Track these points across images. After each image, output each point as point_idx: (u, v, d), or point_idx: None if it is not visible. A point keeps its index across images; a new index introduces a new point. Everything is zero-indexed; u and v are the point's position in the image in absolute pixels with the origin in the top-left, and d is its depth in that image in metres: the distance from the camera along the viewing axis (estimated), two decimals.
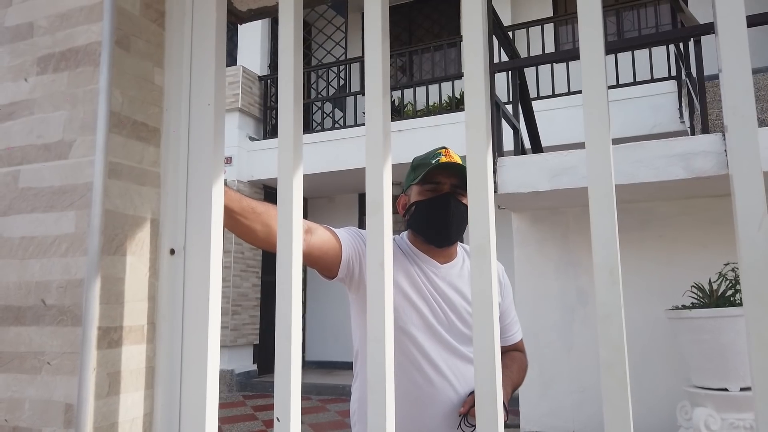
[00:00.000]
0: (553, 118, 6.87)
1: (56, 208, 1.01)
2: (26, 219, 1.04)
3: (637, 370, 4.26)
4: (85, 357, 0.92)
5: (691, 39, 5.18)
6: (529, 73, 7.49)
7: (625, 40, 7.61)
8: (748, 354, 0.73)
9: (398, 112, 9.10)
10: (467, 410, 1.52)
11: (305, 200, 10.30)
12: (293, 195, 0.99)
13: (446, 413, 1.57)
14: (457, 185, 1.62)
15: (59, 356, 0.97)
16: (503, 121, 4.43)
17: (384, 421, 0.88)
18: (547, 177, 3.90)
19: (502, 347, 1.78)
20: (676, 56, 6.63)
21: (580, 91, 0.90)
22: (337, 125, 9.47)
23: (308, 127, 9.57)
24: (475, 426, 1.47)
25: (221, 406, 7.38)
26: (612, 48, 6.12)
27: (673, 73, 6.95)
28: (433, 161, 1.64)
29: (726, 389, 3.39)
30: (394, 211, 1.84)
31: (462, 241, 1.76)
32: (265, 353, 9.11)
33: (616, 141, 4.31)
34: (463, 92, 0.93)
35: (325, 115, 9.59)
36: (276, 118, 7.91)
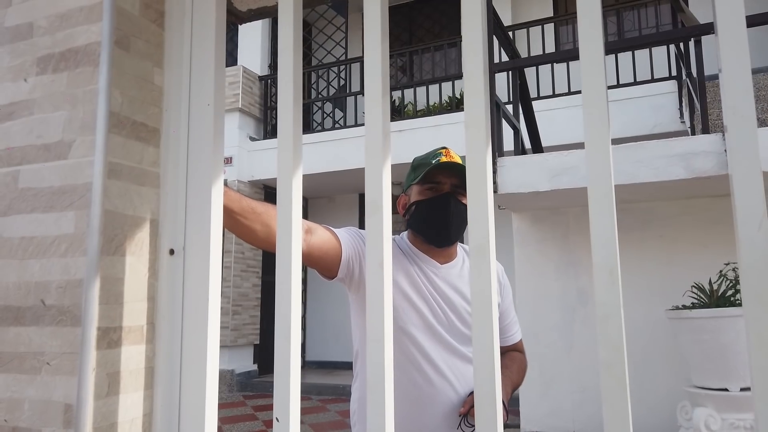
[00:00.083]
0: (553, 118, 6.87)
1: (56, 209, 1.01)
2: (26, 219, 1.04)
3: (637, 370, 4.26)
4: (84, 357, 0.92)
5: (692, 39, 5.18)
6: (530, 73, 7.49)
7: (626, 40, 7.61)
8: (747, 354, 0.73)
9: (398, 112, 9.10)
10: (467, 410, 1.52)
11: (305, 200, 10.31)
12: (293, 195, 0.99)
13: (446, 413, 1.57)
14: (457, 185, 1.62)
15: (59, 356, 0.96)
16: (503, 121, 4.43)
17: (383, 421, 0.88)
18: (548, 177, 3.90)
19: (501, 347, 1.78)
20: (677, 56, 6.63)
21: (580, 91, 0.90)
22: (337, 125, 9.47)
23: (308, 127, 9.57)
24: (474, 426, 1.47)
25: (222, 406, 7.39)
26: (612, 48, 6.12)
27: (674, 73, 6.95)
28: (434, 161, 1.64)
29: (726, 389, 3.39)
30: (394, 211, 1.84)
31: (462, 241, 1.76)
32: (265, 353, 9.11)
33: (617, 141, 4.31)
34: (463, 92, 0.92)
35: (325, 115, 9.59)
36: (276, 118, 7.96)
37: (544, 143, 5.14)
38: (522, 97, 4.79)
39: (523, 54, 7.90)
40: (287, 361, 0.95)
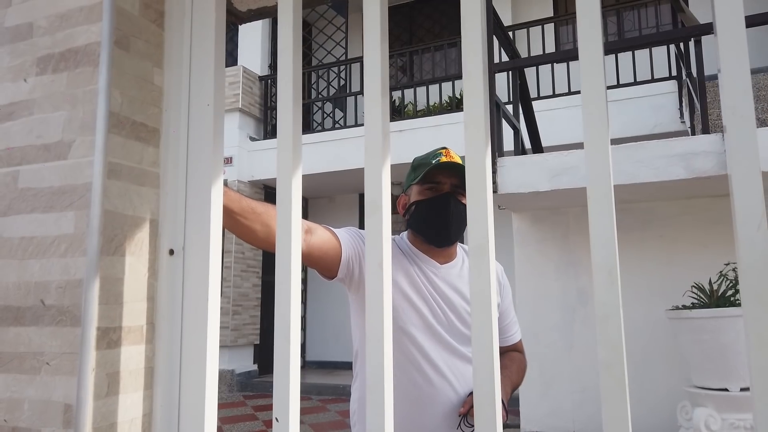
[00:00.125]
0: (553, 118, 6.87)
1: (56, 209, 1.01)
2: (26, 219, 1.04)
3: (637, 370, 4.26)
4: (84, 357, 0.92)
5: (692, 39, 5.18)
6: (530, 73, 7.49)
7: (626, 40, 7.61)
8: (746, 354, 0.73)
9: (399, 112, 9.10)
10: (467, 410, 1.52)
11: (306, 200, 10.31)
12: (292, 195, 0.99)
13: (446, 413, 1.57)
14: (457, 185, 1.62)
15: (58, 356, 0.97)
16: (503, 121, 4.43)
17: (382, 421, 0.88)
18: (548, 177, 3.90)
19: (501, 348, 1.79)
20: (677, 56, 6.63)
21: (580, 91, 0.90)
22: (337, 125, 9.48)
23: (309, 127, 9.57)
24: (474, 426, 1.47)
25: (222, 406, 7.39)
26: (612, 48, 6.12)
27: (674, 73, 6.95)
28: (434, 161, 1.64)
29: (726, 389, 3.39)
30: (394, 211, 1.84)
31: (462, 242, 1.76)
32: (265, 353, 9.11)
33: (617, 141, 4.31)
34: (463, 92, 0.92)
35: (325, 115, 9.59)
36: (276, 118, 7.96)
37: (545, 143, 5.15)
38: (522, 97, 4.79)
39: (523, 54, 7.91)
40: (287, 361, 0.95)
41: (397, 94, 9.41)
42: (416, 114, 8.65)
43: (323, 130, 9.02)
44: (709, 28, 4.07)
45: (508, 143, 4.74)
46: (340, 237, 1.55)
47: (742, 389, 3.36)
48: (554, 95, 7.40)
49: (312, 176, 8.55)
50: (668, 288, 4.14)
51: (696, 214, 4.33)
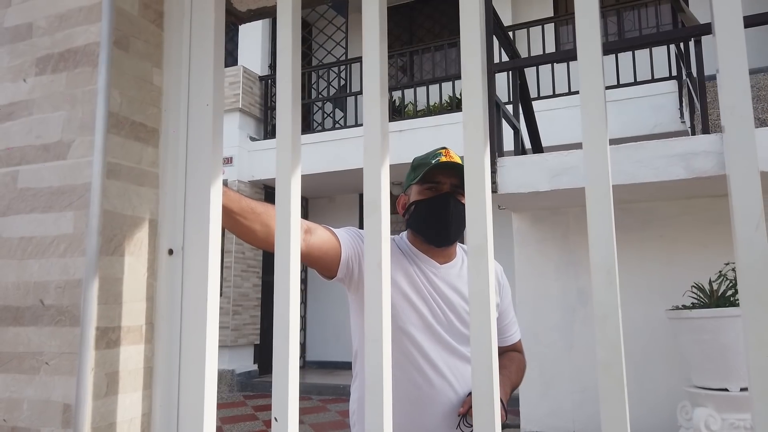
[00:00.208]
0: (553, 118, 6.87)
1: (55, 209, 1.02)
2: (25, 219, 1.04)
3: (637, 370, 4.25)
4: (83, 357, 0.93)
5: (692, 39, 5.18)
6: (530, 73, 7.49)
7: (626, 40, 7.61)
8: (744, 354, 0.73)
9: (399, 112, 9.10)
10: (466, 410, 1.52)
11: (306, 200, 10.31)
12: (291, 195, 1.00)
13: (445, 413, 1.57)
14: (456, 185, 1.62)
15: (57, 356, 0.97)
16: (503, 121, 4.43)
17: (381, 421, 0.88)
18: (547, 177, 3.90)
19: (500, 347, 1.79)
20: (677, 56, 6.63)
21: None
22: (337, 125, 9.48)
23: (309, 127, 9.57)
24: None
25: (222, 406, 7.39)
26: (613, 48, 6.11)
27: (674, 73, 6.95)
28: (433, 161, 1.64)
29: (726, 389, 3.39)
30: (394, 211, 1.85)
31: (462, 242, 1.76)
32: (265, 353, 9.11)
33: (618, 141, 4.31)
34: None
35: (325, 115, 9.59)
36: (276, 118, 7.96)
37: (545, 143, 5.15)
38: (522, 97, 4.79)
39: (524, 54, 7.91)
40: (286, 361, 0.95)
41: (397, 94, 9.41)
42: (416, 114, 8.65)
43: (323, 130, 9.02)
44: (709, 28, 4.07)
45: (508, 143, 4.74)
46: (339, 237, 1.56)
47: (742, 389, 3.36)
48: (554, 95, 7.41)
49: (312, 176, 8.54)
50: (668, 288, 4.14)
51: (696, 214, 4.33)
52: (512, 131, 4.69)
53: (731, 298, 3.52)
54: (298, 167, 1.02)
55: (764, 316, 0.71)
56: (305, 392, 7.99)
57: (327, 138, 8.58)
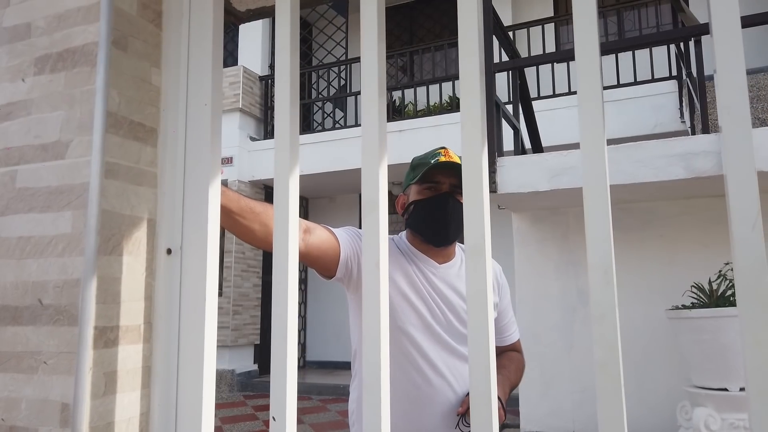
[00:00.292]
0: (553, 118, 6.88)
1: (53, 208, 1.02)
2: (23, 219, 1.04)
3: (637, 370, 4.25)
4: (81, 357, 0.93)
5: (692, 39, 5.18)
6: (530, 73, 7.50)
7: (626, 40, 7.61)
8: (742, 353, 0.73)
9: (399, 112, 9.11)
10: (465, 410, 1.52)
11: (306, 200, 10.31)
12: (290, 195, 1.00)
13: (444, 413, 1.57)
14: (456, 185, 1.62)
15: (56, 356, 0.97)
16: (503, 120, 4.43)
17: (379, 421, 0.88)
18: (547, 177, 3.90)
19: (499, 347, 1.79)
20: (677, 56, 6.63)
21: None
22: (337, 125, 9.48)
23: (309, 127, 9.57)
24: None
25: (222, 406, 7.39)
26: (613, 48, 6.11)
27: (674, 72, 6.95)
28: (432, 161, 1.64)
29: (726, 389, 3.39)
30: (393, 211, 1.85)
31: (461, 241, 1.76)
32: (265, 353, 9.10)
33: (618, 141, 4.31)
34: None
35: (325, 115, 9.59)
36: None
37: (545, 143, 5.15)
38: (522, 97, 4.79)
39: (524, 54, 7.91)
40: (284, 361, 0.95)
41: (397, 94, 9.41)
42: (416, 114, 8.65)
43: (323, 130, 9.02)
44: (708, 28, 4.07)
45: (508, 143, 4.74)
46: (338, 237, 1.56)
47: (741, 389, 3.36)
48: (554, 95, 7.41)
49: (312, 176, 8.55)
50: (668, 288, 4.14)
51: (696, 214, 4.33)
52: (512, 131, 4.69)
53: (731, 298, 3.52)
54: (297, 167, 1.02)
55: (761, 316, 0.71)
56: (305, 392, 7.99)
57: (327, 138, 8.59)
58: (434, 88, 8.80)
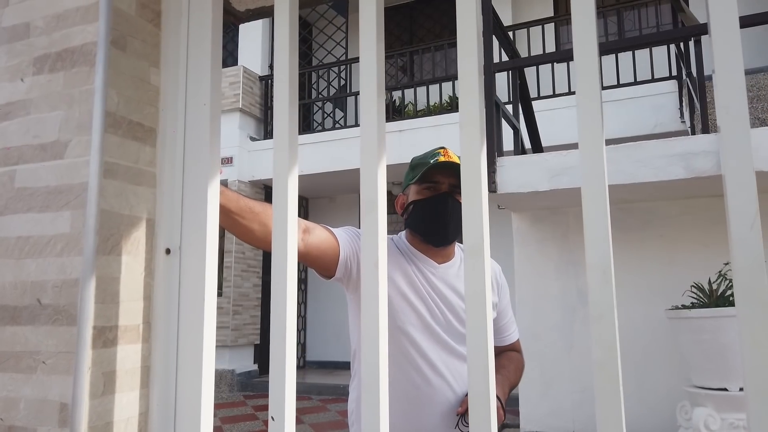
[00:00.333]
0: (553, 118, 6.88)
1: (52, 208, 1.02)
2: (22, 219, 1.04)
3: (637, 369, 4.25)
4: (80, 356, 0.93)
5: (692, 39, 5.18)
6: (530, 73, 7.50)
7: (626, 40, 7.60)
8: (740, 353, 0.73)
9: (399, 112, 9.11)
10: (465, 410, 1.52)
11: (306, 200, 10.31)
12: (288, 194, 1.00)
13: (444, 413, 1.57)
14: (455, 185, 1.63)
15: (54, 356, 0.97)
16: (503, 121, 4.43)
17: (378, 420, 0.88)
18: (547, 177, 3.90)
19: (499, 347, 1.79)
20: (677, 56, 6.63)
21: None
22: (337, 125, 9.48)
23: (309, 127, 9.58)
24: None
25: (222, 406, 7.39)
26: (613, 48, 6.11)
27: (674, 72, 6.95)
28: (432, 161, 1.64)
29: (726, 389, 3.39)
30: (393, 211, 1.84)
31: (460, 241, 1.76)
32: (265, 353, 9.10)
33: (618, 141, 4.31)
34: None
35: (325, 115, 9.59)
36: None
37: (545, 143, 5.14)
38: (522, 96, 4.79)
39: (524, 54, 7.91)
40: (282, 361, 0.95)
41: (397, 94, 9.41)
42: (416, 114, 8.65)
43: (323, 130, 9.02)
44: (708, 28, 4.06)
45: (508, 143, 4.74)
46: (338, 236, 1.56)
47: (741, 389, 3.35)
48: (554, 95, 7.41)
49: (312, 176, 8.55)
50: (668, 288, 4.14)
51: (696, 214, 4.33)
52: (512, 131, 4.69)
53: (731, 298, 3.52)
54: (296, 167, 1.02)
55: (759, 315, 0.71)
56: (305, 392, 7.99)
57: (327, 138, 8.59)
58: (434, 88, 8.80)
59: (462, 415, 1.53)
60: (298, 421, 6.40)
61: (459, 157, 1.61)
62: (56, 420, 0.94)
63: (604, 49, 6.30)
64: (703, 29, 4.28)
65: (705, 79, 4.66)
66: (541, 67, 7.48)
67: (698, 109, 5.10)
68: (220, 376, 8.41)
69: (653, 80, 7.04)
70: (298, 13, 1.07)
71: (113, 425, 0.97)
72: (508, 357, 1.79)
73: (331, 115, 9.69)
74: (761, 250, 0.72)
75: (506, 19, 8.97)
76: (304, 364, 9.94)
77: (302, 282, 10.10)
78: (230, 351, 8.64)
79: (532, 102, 5.15)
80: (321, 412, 6.96)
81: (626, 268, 4.29)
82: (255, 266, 9.27)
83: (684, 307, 3.68)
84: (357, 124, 8.98)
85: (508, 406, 1.60)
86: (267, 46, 9.94)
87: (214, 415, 6.85)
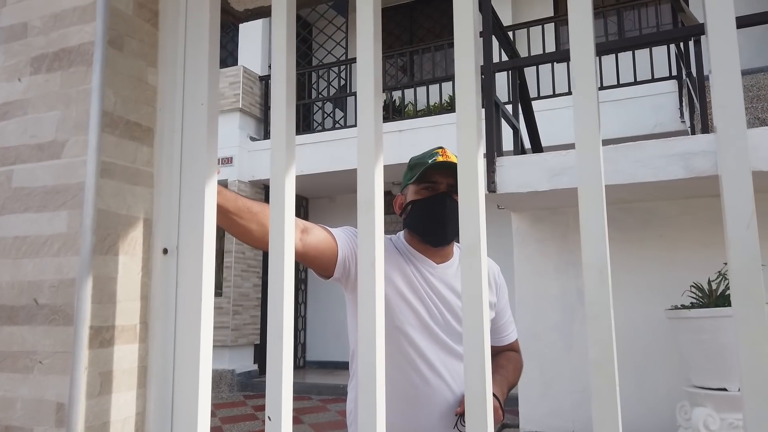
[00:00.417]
0: (553, 118, 6.88)
1: (49, 208, 1.02)
2: (19, 219, 1.04)
3: (637, 369, 4.25)
4: (76, 356, 0.93)
5: (692, 39, 5.18)
6: (530, 72, 7.49)
7: (626, 40, 7.60)
8: (737, 353, 0.73)
9: (399, 112, 9.11)
10: (464, 410, 1.51)
11: (306, 200, 10.31)
12: (285, 194, 1.00)
13: (443, 413, 1.57)
14: (453, 185, 1.62)
15: (51, 355, 0.97)
16: (503, 120, 4.43)
17: (374, 420, 0.88)
18: (547, 177, 3.90)
19: (498, 347, 1.79)
20: (677, 56, 6.63)
21: None
22: (337, 125, 9.48)
23: (309, 127, 9.58)
24: None
25: (222, 405, 7.39)
26: (613, 47, 6.11)
27: (674, 72, 6.95)
28: (430, 161, 1.64)
29: (725, 389, 3.38)
30: (391, 212, 1.84)
31: (458, 241, 1.75)
32: (265, 353, 9.09)
33: (618, 141, 4.30)
34: None
35: (325, 115, 9.59)
36: None
37: (545, 143, 5.14)
38: (522, 96, 4.79)
39: (524, 54, 7.91)
40: (279, 361, 0.95)
41: (397, 94, 9.41)
42: (416, 114, 8.65)
43: (323, 130, 9.02)
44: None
45: (508, 143, 4.74)
46: (336, 236, 1.55)
47: (740, 389, 3.35)
48: (554, 95, 7.41)
49: (312, 176, 8.55)
50: (668, 288, 4.14)
51: (696, 214, 4.33)
52: (512, 131, 4.69)
53: (730, 298, 3.51)
54: (293, 167, 1.02)
55: (755, 315, 0.71)
56: (305, 392, 7.99)
57: (327, 138, 8.59)
58: (434, 88, 8.80)
59: (461, 415, 1.53)
60: (298, 421, 6.40)
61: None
62: (53, 420, 0.94)
63: (605, 49, 6.30)
64: (703, 29, 4.26)
65: (705, 79, 4.66)
66: (541, 67, 7.48)
67: (698, 109, 5.10)
68: (220, 376, 8.42)
69: (653, 80, 7.04)
70: (295, 13, 1.07)
71: (110, 425, 0.97)
72: (507, 357, 1.78)
73: (331, 115, 9.69)
74: (758, 250, 0.72)
75: (506, 19, 8.97)
76: (304, 364, 9.93)
77: (302, 282, 10.10)
78: (230, 351, 8.64)
79: (532, 102, 5.15)
80: (321, 412, 6.96)
81: (626, 268, 4.29)
82: (255, 266, 9.27)
83: (683, 307, 3.68)
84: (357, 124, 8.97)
85: (508, 406, 1.60)
86: (267, 46, 9.94)
87: (214, 415, 6.85)
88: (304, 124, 9.76)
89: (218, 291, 8.89)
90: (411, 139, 7.80)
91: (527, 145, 5.07)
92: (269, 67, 9.87)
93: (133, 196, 1.06)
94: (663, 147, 3.67)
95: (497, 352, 1.79)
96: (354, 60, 9.10)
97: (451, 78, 8.43)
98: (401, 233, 1.77)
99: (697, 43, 4.87)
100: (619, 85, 7.15)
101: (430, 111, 8.42)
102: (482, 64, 4.09)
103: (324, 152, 8.45)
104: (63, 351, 0.96)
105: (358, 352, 0.97)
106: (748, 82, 6.48)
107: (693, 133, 5.73)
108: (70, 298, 0.97)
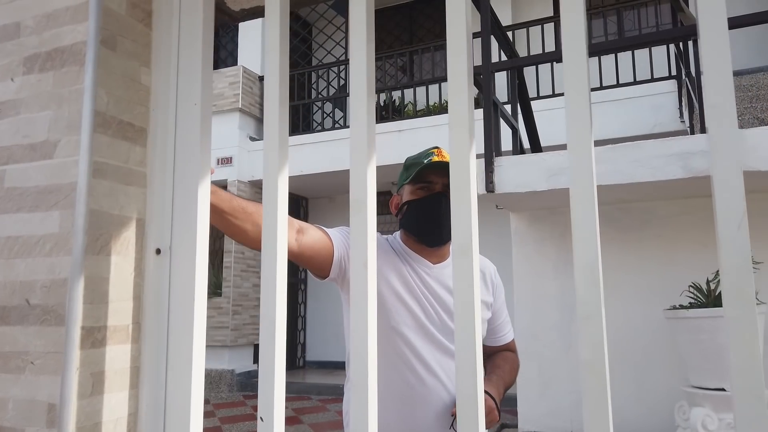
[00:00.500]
0: (553, 118, 6.86)
1: (41, 208, 1.02)
2: (11, 219, 1.04)
3: (636, 369, 4.25)
4: (68, 357, 0.92)
5: (691, 38, 5.18)
6: (530, 72, 7.49)
7: (625, 39, 7.59)
8: (729, 353, 0.73)
9: (398, 112, 9.10)
10: None
11: (306, 200, 10.31)
12: (279, 194, 0.99)
13: (438, 413, 1.57)
14: (449, 185, 1.62)
15: (43, 356, 0.97)
16: (502, 120, 4.43)
17: (366, 420, 0.88)
18: (545, 177, 3.89)
19: (494, 347, 1.79)
20: (676, 56, 6.62)
21: None
22: (337, 125, 9.48)
23: (309, 127, 9.57)
24: None
25: (222, 405, 7.39)
26: (612, 47, 6.11)
27: (674, 72, 6.94)
28: (425, 161, 1.64)
29: (723, 389, 3.38)
30: (387, 212, 1.84)
31: None
32: None
33: (617, 141, 4.30)
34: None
35: (325, 115, 9.59)
36: None
37: (544, 143, 5.14)
38: (521, 96, 4.78)
39: (523, 53, 7.91)
40: (271, 361, 0.95)
41: (396, 93, 9.41)
42: (416, 114, 8.65)
43: (323, 130, 9.02)
44: None
45: (507, 143, 4.73)
46: (332, 236, 1.55)
47: None
48: (553, 95, 7.40)
49: (312, 176, 8.54)
50: (667, 288, 4.13)
51: (695, 214, 4.32)
52: (511, 131, 4.69)
53: None
54: (286, 167, 1.02)
55: (746, 315, 0.71)
56: (305, 392, 7.99)
57: (327, 138, 8.59)
58: (434, 88, 8.80)
59: (456, 415, 1.53)
60: (297, 421, 6.40)
61: None
62: (44, 420, 0.94)
63: (604, 48, 6.29)
64: None
65: None
66: (540, 66, 7.47)
67: (697, 108, 5.10)
68: (220, 376, 8.42)
69: (653, 80, 7.03)
70: (288, 13, 1.07)
71: (102, 426, 0.97)
72: (503, 357, 1.78)
73: (331, 115, 9.69)
74: (749, 250, 0.72)
75: (506, 19, 8.97)
76: (303, 364, 9.93)
77: (302, 282, 10.10)
78: (230, 351, 8.64)
79: (531, 102, 5.14)
80: (320, 412, 6.95)
81: (624, 268, 4.29)
82: (254, 266, 9.27)
83: (682, 307, 3.68)
84: None
85: (506, 406, 1.60)
86: None
87: (214, 415, 6.85)
88: (304, 124, 9.76)
89: (218, 291, 8.89)
90: (410, 139, 7.80)
91: (526, 145, 5.06)
92: None
93: (126, 196, 1.05)
94: (661, 147, 3.66)
95: (494, 352, 1.79)
96: None
97: None
98: (398, 233, 1.76)
99: (697, 43, 4.86)
100: (618, 85, 7.15)
101: (429, 111, 8.41)
102: (478, 63, 4.09)
103: (324, 152, 8.44)
104: (55, 351, 0.96)
105: (350, 352, 0.97)
106: (748, 81, 6.48)
107: (692, 132, 5.72)
108: (62, 298, 0.97)
